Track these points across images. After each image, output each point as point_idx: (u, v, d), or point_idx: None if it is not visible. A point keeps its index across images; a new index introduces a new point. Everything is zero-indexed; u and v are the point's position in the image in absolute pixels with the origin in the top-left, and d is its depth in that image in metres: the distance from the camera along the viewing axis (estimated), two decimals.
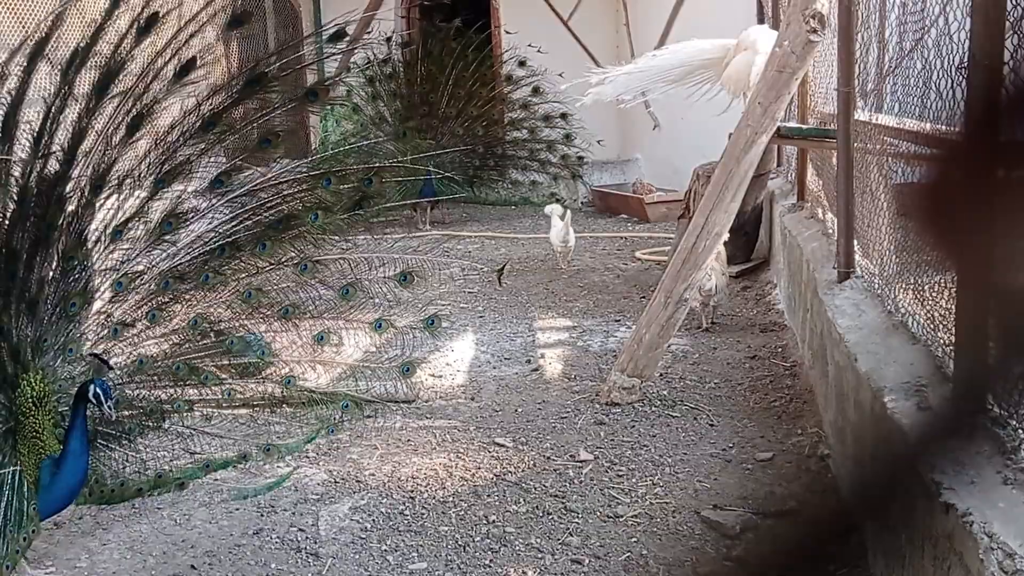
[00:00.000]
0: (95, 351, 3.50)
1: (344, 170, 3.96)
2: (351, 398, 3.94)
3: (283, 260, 3.83)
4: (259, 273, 3.81)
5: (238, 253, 3.74)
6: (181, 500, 4.01)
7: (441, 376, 5.57)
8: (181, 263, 3.65)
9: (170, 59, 3.53)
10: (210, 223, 3.70)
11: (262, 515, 3.91)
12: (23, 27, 6.82)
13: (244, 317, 3.84)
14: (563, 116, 10.44)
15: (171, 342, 3.69)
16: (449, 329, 6.49)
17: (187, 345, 3.70)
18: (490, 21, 12.46)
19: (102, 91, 3.42)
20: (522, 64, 10.62)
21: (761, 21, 8.03)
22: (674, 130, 10.22)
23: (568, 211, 8.28)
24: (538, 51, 10.60)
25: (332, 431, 4.06)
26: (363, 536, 3.71)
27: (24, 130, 3.29)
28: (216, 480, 4.10)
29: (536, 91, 10.58)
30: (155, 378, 3.64)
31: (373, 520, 3.82)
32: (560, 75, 10.41)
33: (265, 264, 3.81)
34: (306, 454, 4.43)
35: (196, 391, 3.75)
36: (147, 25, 3.49)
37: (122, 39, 3.46)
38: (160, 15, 3.51)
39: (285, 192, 3.82)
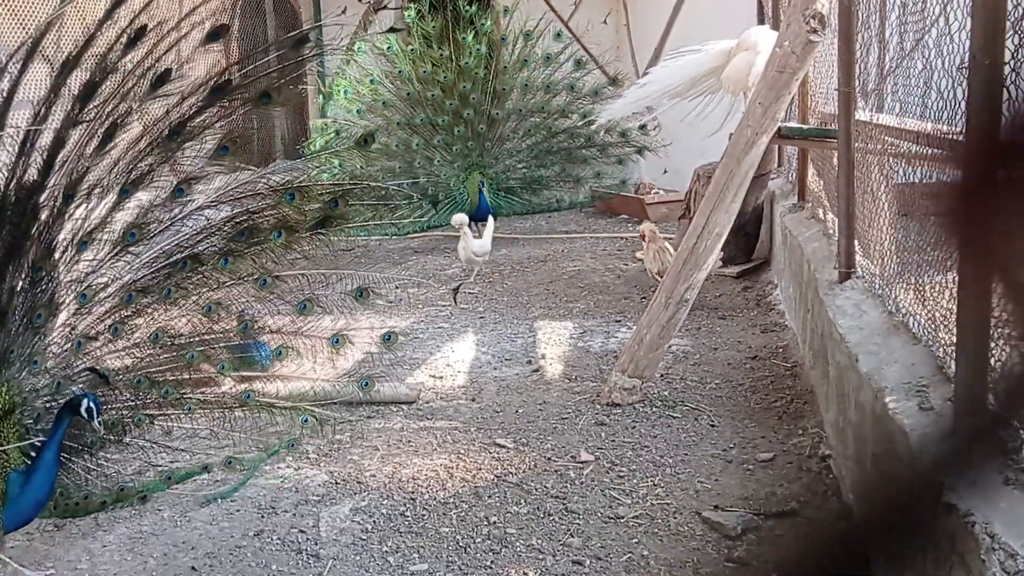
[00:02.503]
0: (93, 365, 3.55)
1: (309, 186, 3.99)
2: (311, 413, 4.00)
3: (243, 276, 3.89)
4: (220, 287, 3.87)
5: (200, 267, 3.80)
6: (181, 501, 4.01)
7: (442, 377, 5.57)
8: (145, 276, 3.71)
9: (148, 69, 3.59)
10: (174, 236, 3.75)
11: (263, 516, 3.91)
12: (22, 27, 6.83)
13: (204, 332, 3.90)
14: (614, 82, 9.62)
15: (133, 356, 3.74)
16: (449, 329, 6.51)
17: (148, 359, 3.75)
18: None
19: (86, 99, 3.46)
20: (558, 36, 9.78)
21: (761, 22, 8.03)
22: (675, 130, 10.22)
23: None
24: (574, 4, 10.23)
25: (293, 446, 4.14)
26: (364, 537, 3.71)
27: (11, 135, 3.30)
28: (195, 483, 4.11)
29: (579, 64, 9.74)
30: (116, 391, 3.66)
31: (374, 521, 3.82)
32: (604, 21, 9.94)
33: (226, 279, 3.86)
34: (307, 455, 4.44)
35: (157, 405, 3.80)
36: (135, 37, 3.55)
37: (110, 49, 3.51)
38: (148, 28, 3.57)
39: (251, 207, 3.86)
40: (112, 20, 3.51)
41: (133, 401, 3.73)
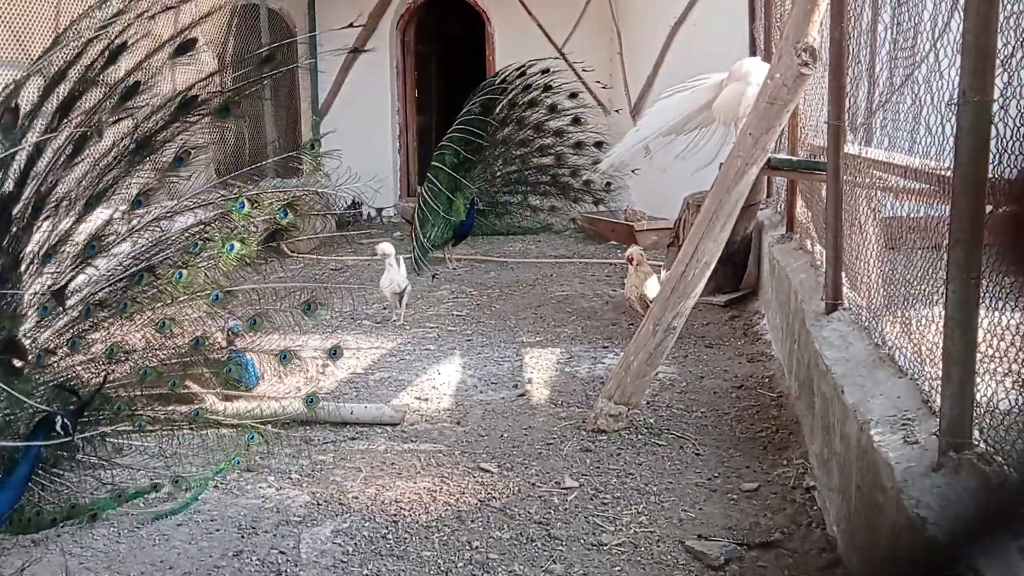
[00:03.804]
0: (62, 382, 3.55)
1: (259, 194, 4.02)
2: (257, 431, 4.04)
3: (196, 291, 3.94)
4: (174, 303, 3.91)
5: (156, 281, 3.82)
6: (161, 519, 3.97)
7: (427, 399, 5.55)
8: (103, 289, 3.73)
9: (120, 82, 3.63)
10: (132, 248, 3.79)
11: (243, 536, 3.87)
12: (17, 39, 6.83)
13: (157, 347, 3.94)
14: (598, 145, 10.40)
15: (89, 371, 3.75)
16: (436, 352, 6.50)
17: (102, 374, 3.75)
18: (485, 47, 12.57)
19: (65, 111, 3.47)
20: (573, 96, 10.50)
21: (754, 53, 8.10)
22: (665, 158, 10.28)
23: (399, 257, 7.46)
24: (603, 87, 11.17)
25: (238, 463, 4.16)
26: (344, 560, 3.67)
27: None
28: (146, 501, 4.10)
29: (576, 121, 10.47)
30: (70, 406, 3.65)
31: (355, 544, 3.79)
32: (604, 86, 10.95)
33: (180, 294, 3.90)
34: (289, 475, 4.40)
35: (109, 422, 3.81)
36: (117, 52, 3.59)
37: (92, 64, 3.54)
38: (128, 44, 3.61)
39: (203, 218, 3.90)
40: (104, 34, 3.54)
41: (87, 417, 3.72)
